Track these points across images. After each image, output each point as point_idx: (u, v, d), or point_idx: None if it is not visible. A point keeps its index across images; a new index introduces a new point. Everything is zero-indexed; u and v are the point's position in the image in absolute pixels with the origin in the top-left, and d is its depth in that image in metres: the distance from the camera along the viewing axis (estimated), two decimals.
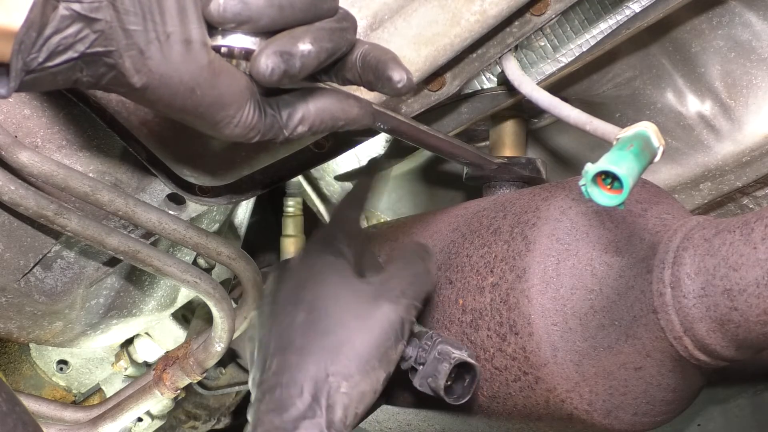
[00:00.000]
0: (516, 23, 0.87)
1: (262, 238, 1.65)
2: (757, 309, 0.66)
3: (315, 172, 1.46)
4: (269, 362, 0.76)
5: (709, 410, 1.27)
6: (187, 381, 1.22)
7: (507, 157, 1.03)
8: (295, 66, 0.61)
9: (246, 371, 1.65)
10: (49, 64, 0.55)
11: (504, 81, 0.98)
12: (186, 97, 0.60)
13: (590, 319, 0.75)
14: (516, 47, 0.93)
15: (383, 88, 0.66)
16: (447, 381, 0.77)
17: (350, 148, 0.96)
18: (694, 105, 1.03)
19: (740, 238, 0.68)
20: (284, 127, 0.65)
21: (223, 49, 0.61)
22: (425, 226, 0.96)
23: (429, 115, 0.98)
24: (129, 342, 1.44)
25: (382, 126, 0.80)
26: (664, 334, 0.72)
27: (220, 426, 1.76)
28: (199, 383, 1.54)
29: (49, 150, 0.92)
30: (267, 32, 0.62)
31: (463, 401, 0.78)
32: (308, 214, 1.53)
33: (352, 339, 0.74)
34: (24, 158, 0.87)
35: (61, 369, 1.46)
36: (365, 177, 0.92)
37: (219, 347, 1.16)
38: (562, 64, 0.98)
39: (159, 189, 0.98)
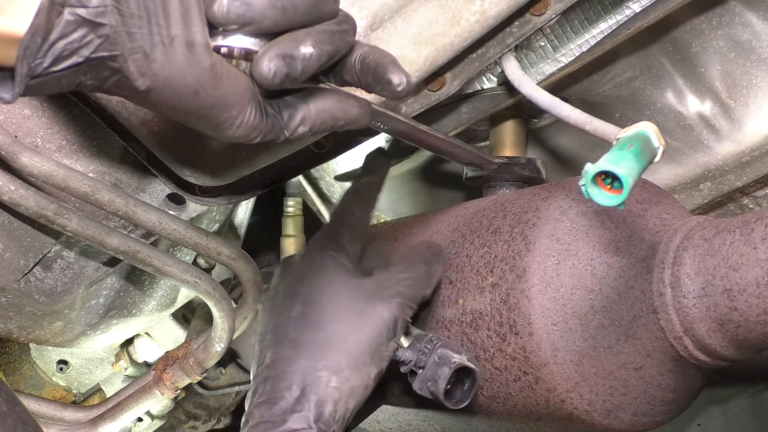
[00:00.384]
0: (516, 23, 0.87)
1: (262, 238, 1.65)
2: (757, 309, 0.66)
3: (315, 172, 1.46)
4: (264, 355, 0.78)
5: (709, 410, 1.27)
6: (187, 381, 1.22)
7: (507, 157, 1.03)
8: (296, 69, 0.61)
9: (246, 371, 1.65)
10: (54, 69, 0.55)
11: (504, 81, 0.98)
12: (189, 99, 0.60)
13: (590, 319, 0.75)
14: (516, 47, 0.93)
15: (382, 91, 0.67)
16: (447, 385, 0.77)
17: (350, 148, 0.96)
18: (694, 105, 1.03)
19: (740, 238, 0.68)
20: (285, 128, 0.65)
21: (223, 50, 0.62)
22: (425, 226, 0.96)
23: (429, 115, 0.98)
24: (129, 342, 1.44)
25: (381, 126, 0.80)
26: (664, 334, 0.72)
27: (220, 426, 1.76)
28: (199, 383, 1.54)
29: (49, 150, 0.92)
30: (268, 33, 0.62)
31: (463, 405, 0.78)
32: (308, 214, 1.53)
33: (344, 334, 0.76)
34: (24, 158, 0.87)
35: (61, 369, 1.46)
36: (374, 172, 0.92)
37: (219, 347, 1.16)
38: (562, 64, 0.98)
39: (159, 189, 0.98)
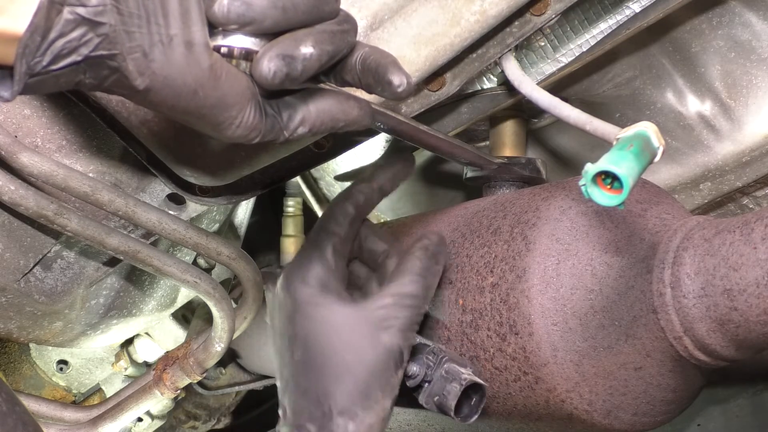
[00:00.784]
0: (516, 23, 0.87)
1: (262, 238, 1.65)
2: (757, 309, 0.66)
3: (315, 172, 1.46)
4: (283, 404, 0.75)
5: (709, 410, 1.27)
6: (187, 381, 1.22)
7: (507, 157, 1.03)
8: (296, 69, 0.61)
9: (246, 371, 1.66)
10: (53, 67, 0.55)
11: (504, 81, 0.98)
12: (189, 99, 0.60)
13: (590, 319, 0.75)
14: (516, 47, 0.93)
15: (383, 92, 0.67)
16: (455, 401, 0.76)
17: (350, 148, 0.96)
18: (694, 105, 1.03)
19: (740, 238, 0.68)
20: (285, 129, 0.65)
21: (222, 49, 0.62)
22: (425, 226, 0.96)
23: (429, 115, 0.98)
24: (129, 342, 1.44)
25: (381, 126, 0.80)
26: (664, 334, 0.72)
27: (220, 426, 1.76)
28: (199, 383, 1.54)
29: (49, 150, 0.92)
30: (268, 33, 0.62)
31: (472, 420, 0.77)
32: (308, 214, 1.53)
33: (352, 375, 0.72)
34: (24, 158, 0.87)
35: (61, 369, 1.46)
36: (386, 172, 0.83)
37: (219, 347, 1.16)
38: (562, 64, 0.98)
39: (159, 189, 0.98)
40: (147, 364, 1.46)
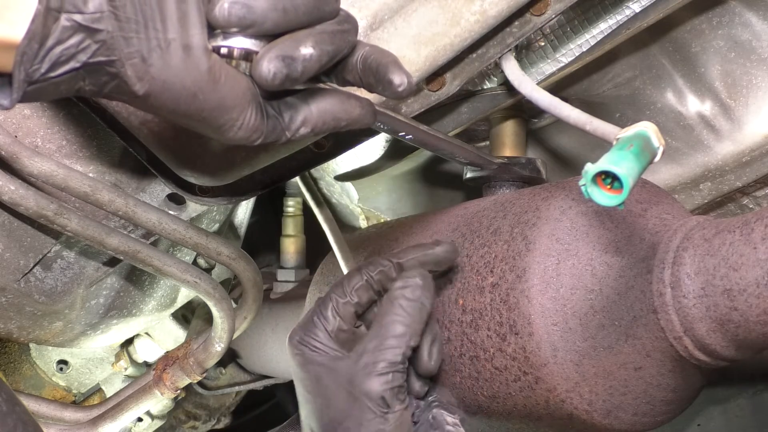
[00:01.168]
0: (516, 23, 0.87)
1: (262, 238, 1.65)
2: (757, 309, 0.66)
3: (315, 172, 1.46)
4: None
5: (709, 410, 1.27)
6: (187, 381, 1.22)
7: (507, 157, 1.03)
8: (297, 70, 0.61)
9: (246, 371, 1.66)
10: (52, 74, 0.56)
11: (504, 81, 0.97)
12: (189, 102, 0.60)
13: (590, 319, 0.75)
14: (516, 47, 0.93)
15: (384, 91, 0.67)
16: None
17: (350, 148, 0.96)
18: (694, 105, 1.03)
19: (740, 238, 0.68)
20: (286, 129, 0.65)
21: (222, 50, 0.61)
22: (425, 226, 0.96)
23: (429, 115, 0.98)
24: (129, 342, 1.44)
25: (382, 126, 0.80)
26: (664, 334, 0.72)
27: (220, 426, 1.76)
28: (199, 383, 1.54)
29: (49, 150, 0.92)
30: (269, 35, 0.62)
31: None
32: (308, 214, 1.53)
33: (339, 425, 0.75)
34: (24, 158, 0.87)
35: (61, 369, 1.46)
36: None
37: (219, 347, 1.16)
38: (562, 64, 0.98)
39: (159, 189, 0.98)
40: (147, 364, 1.46)
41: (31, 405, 1.24)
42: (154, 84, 0.58)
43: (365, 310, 0.81)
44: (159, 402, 1.28)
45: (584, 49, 0.97)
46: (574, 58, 0.98)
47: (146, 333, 1.43)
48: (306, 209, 1.54)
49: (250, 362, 1.60)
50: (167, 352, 1.28)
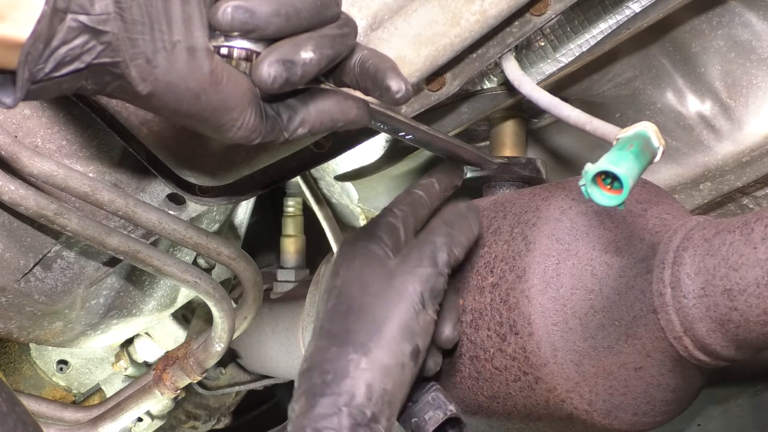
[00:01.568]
0: (516, 23, 0.87)
1: (262, 238, 1.65)
2: (757, 309, 0.66)
3: (315, 172, 1.46)
4: (308, 350, 0.76)
5: (709, 410, 1.27)
6: (187, 381, 1.22)
7: (507, 157, 1.03)
8: (296, 74, 0.62)
9: (246, 371, 1.66)
10: (56, 74, 0.56)
11: (504, 81, 0.97)
12: (191, 103, 0.60)
13: (590, 319, 0.75)
14: (516, 47, 0.93)
15: (381, 97, 0.67)
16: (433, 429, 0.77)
17: (350, 148, 0.96)
18: (694, 105, 1.03)
19: (740, 238, 0.68)
20: (284, 129, 0.65)
21: (222, 50, 0.62)
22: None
23: (429, 115, 0.98)
24: (129, 342, 1.44)
25: (381, 126, 0.80)
26: (664, 334, 0.72)
27: (220, 426, 1.76)
28: (199, 383, 1.54)
29: (49, 150, 0.92)
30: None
31: None
32: (308, 214, 1.53)
33: (370, 316, 0.73)
34: (24, 158, 0.87)
35: (61, 369, 1.46)
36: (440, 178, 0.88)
37: (219, 347, 1.16)
38: (562, 64, 0.98)
39: (159, 189, 0.98)
40: (147, 364, 1.46)
41: (31, 405, 1.24)
42: (157, 85, 0.58)
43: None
44: (159, 402, 1.28)
45: (584, 49, 0.97)
46: (574, 58, 0.98)
47: (146, 333, 1.43)
48: (306, 209, 1.54)
49: (250, 362, 1.60)
50: (167, 352, 1.28)
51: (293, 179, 1.42)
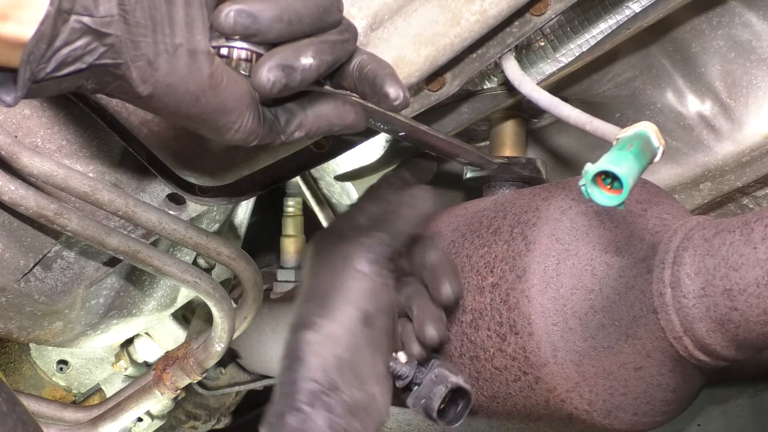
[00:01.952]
0: (516, 23, 0.87)
1: (262, 238, 1.65)
2: (757, 309, 0.66)
3: (315, 172, 1.46)
4: None
5: (709, 410, 1.27)
6: (187, 381, 1.22)
7: (507, 157, 1.03)
8: (295, 79, 0.62)
9: (246, 372, 1.65)
10: (57, 74, 0.56)
11: (504, 81, 0.97)
12: (191, 105, 0.60)
13: (590, 319, 0.75)
14: (516, 47, 0.93)
15: (379, 103, 0.67)
16: (441, 404, 0.78)
17: (350, 148, 0.96)
18: (694, 105, 1.03)
19: (740, 238, 0.68)
20: (282, 132, 0.66)
21: (222, 50, 0.62)
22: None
23: (429, 115, 0.98)
24: (129, 342, 1.44)
25: (381, 126, 0.80)
26: (664, 334, 0.72)
27: (220, 426, 1.76)
28: (199, 383, 1.54)
29: (49, 150, 0.92)
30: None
31: (456, 425, 0.79)
32: (308, 214, 1.53)
33: (321, 293, 0.78)
34: (24, 158, 0.87)
35: (61, 369, 1.46)
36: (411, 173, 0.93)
37: (219, 347, 1.16)
38: (562, 64, 0.98)
39: (159, 189, 0.98)
40: (147, 364, 1.46)
41: (31, 405, 1.24)
42: (158, 87, 0.59)
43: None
44: (159, 402, 1.28)
45: (584, 49, 0.97)
46: (574, 58, 0.98)
47: (146, 333, 1.43)
48: (306, 209, 1.54)
49: (250, 362, 1.60)
50: (167, 352, 1.28)
51: (293, 179, 1.42)
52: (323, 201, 1.48)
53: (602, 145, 0.72)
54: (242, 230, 1.40)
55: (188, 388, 1.40)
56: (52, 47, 0.54)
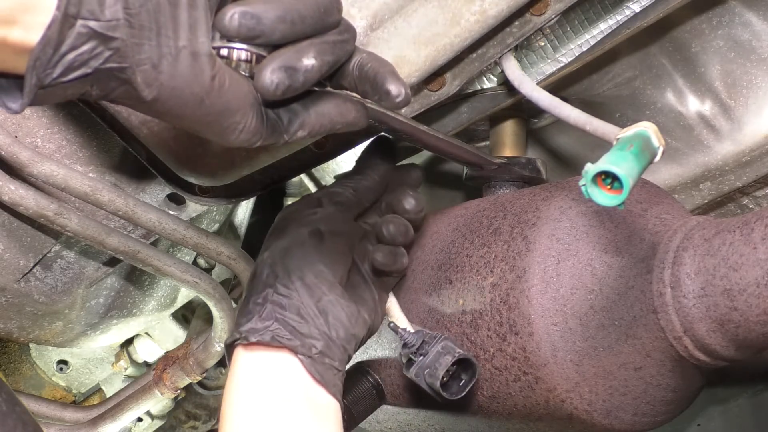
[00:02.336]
0: (516, 23, 0.87)
1: (262, 238, 1.65)
2: (757, 309, 0.66)
3: (315, 172, 1.46)
4: None
5: (709, 410, 1.27)
6: (187, 381, 1.22)
7: (507, 157, 1.03)
8: (298, 81, 0.62)
9: None
10: (63, 79, 0.56)
11: (504, 81, 0.97)
12: (195, 107, 0.60)
13: (590, 319, 0.75)
14: (516, 47, 0.93)
15: (380, 101, 0.67)
16: (444, 377, 0.78)
17: (350, 147, 0.96)
18: (694, 105, 1.03)
19: (740, 238, 0.68)
20: (285, 132, 0.66)
21: (222, 51, 0.62)
22: (425, 226, 0.96)
23: (429, 115, 0.98)
24: (129, 342, 1.44)
25: (381, 126, 0.80)
26: (664, 334, 0.72)
27: None
28: (199, 383, 1.53)
29: (49, 150, 0.92)
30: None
31: (458, 397, 0.80)
32: None
33: (277, 225, 0.89)
34: (24, 158, 0.87)
35: (61, 369, 1.46)
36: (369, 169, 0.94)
37: (219, 347, 1.16)
38: (562, 64, 0.98)
39: (159, 189, 0.98)
40: (147, 364, 1.46)
41: (31, 405, 1.24)
42: (162, 90, 0.58)
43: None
44: (159, 402, 1.28)
45: (584, 49, 0.97)
46: (574, 58, 0.98)
47: (146, 333, 1.43)
48: None
49: None
50: (167, 352, 1.28)
51: (293, 179, 1.42)
52: None
53: (602, 145, 0.72)
54: (242, 230, 1.40)
55: (188, 388, 1.40)
56: (59, 52, 0.54)
